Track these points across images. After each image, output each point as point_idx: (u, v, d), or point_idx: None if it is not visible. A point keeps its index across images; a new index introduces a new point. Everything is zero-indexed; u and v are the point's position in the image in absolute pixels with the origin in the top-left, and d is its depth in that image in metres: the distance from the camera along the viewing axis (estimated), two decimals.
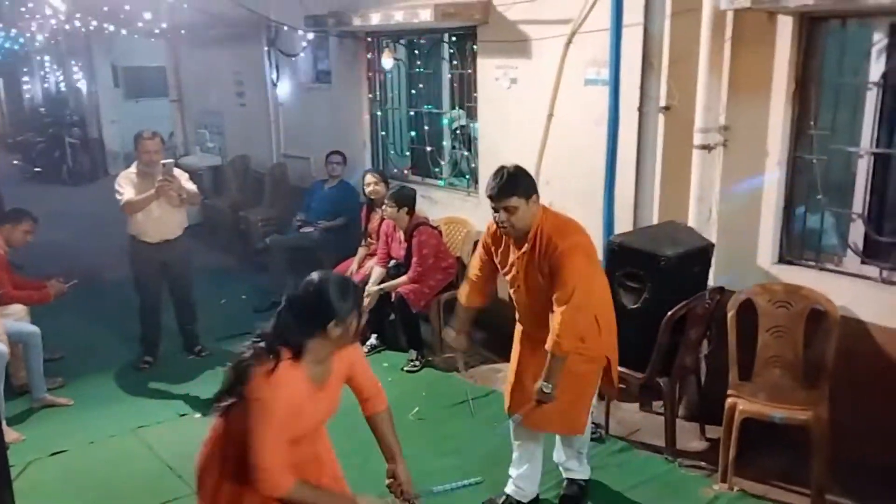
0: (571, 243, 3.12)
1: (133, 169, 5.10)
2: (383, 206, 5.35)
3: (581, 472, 3.64)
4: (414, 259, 5.23)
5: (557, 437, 3.61)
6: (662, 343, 3.82)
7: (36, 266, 5.85)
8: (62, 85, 14.94)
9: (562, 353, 3.09)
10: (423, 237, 5.26)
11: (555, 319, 3.08)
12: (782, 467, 3.80)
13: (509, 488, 3.55)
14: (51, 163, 13.25)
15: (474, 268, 3.55)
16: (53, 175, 13.01)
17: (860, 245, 3.83)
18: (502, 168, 3.20)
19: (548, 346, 3.10)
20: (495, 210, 3.16)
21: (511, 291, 3.36)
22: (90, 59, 12.72)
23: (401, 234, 5.40)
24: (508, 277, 3.32)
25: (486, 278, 3.52)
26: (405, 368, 5.22)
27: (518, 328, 3.48)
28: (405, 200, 5.30)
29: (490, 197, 3.15)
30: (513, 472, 3.56)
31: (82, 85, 13.35)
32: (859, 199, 3.80)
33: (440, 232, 5.55)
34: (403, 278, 5.26)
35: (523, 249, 3.20)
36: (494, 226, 3.29)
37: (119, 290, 6.13)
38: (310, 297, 2.38)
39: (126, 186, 4.99)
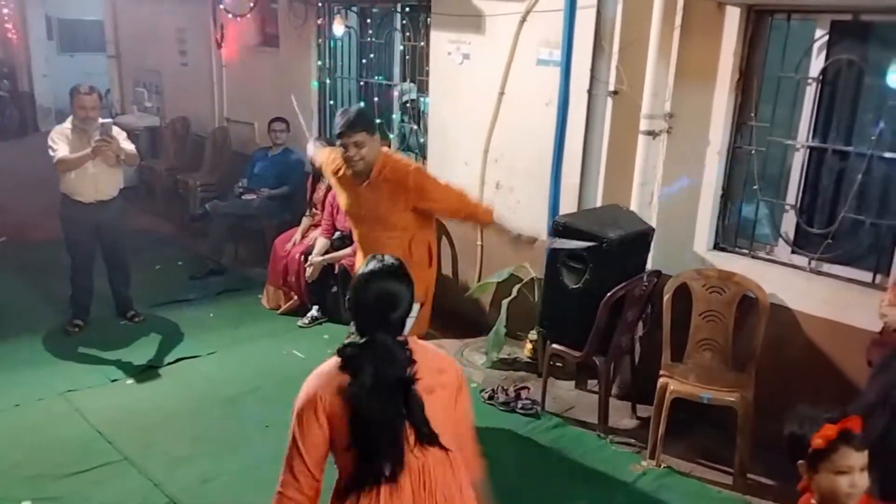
0: (416, 167, 3.66)
1: (68, 125, 4.90)
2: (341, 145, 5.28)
3: None
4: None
5: None
6: (600, 323, 3.90)
7: None
8: None
9: (491, 218, 3.73)
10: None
11: (463, 208, 3.68)
12: (708, 446, 3.95)
13: None
14: None
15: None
16: None
17: (791, 235, 3.97)
18: (347, 108, 3.61)
19: (485, 219, 3.74)
20: (345, 147, 3.45)
21: (358, 227, 3.73)
22: (23, 8, 12.10)
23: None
24: (354, 213, 3.68)
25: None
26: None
27: (360, 256, 3.83)
28: (369, 126, 5.25)
29: (340, 134, 3.44)
30: None
31: (13, 35, 12.70)
32: (793, 190, 3.94)
33: None
34: (348, 250, 5.22)
35: (367, 181, 3.54)
36: (337, 163, 3.66)
37: (49, 249, 5.93)
38: None
39: (60, 143, 4.79)
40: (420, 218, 3.64)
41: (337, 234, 5.39)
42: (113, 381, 4.51)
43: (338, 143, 3.48)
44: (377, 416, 1.90)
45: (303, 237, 5.72)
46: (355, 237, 3.85)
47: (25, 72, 12.53)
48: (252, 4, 7.00)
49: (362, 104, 3.70)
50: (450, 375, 2.08)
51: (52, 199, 5.16)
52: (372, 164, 3.49)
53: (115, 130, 4.88)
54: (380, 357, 1.92)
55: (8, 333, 4.99)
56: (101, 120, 4.82)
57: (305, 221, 5.82)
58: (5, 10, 12.30)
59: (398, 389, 1.93)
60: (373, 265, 2.03)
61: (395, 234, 3.57)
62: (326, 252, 5.32)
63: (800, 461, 2.00)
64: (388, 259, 2.06)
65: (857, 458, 1.92)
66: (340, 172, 3.66)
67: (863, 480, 1.92)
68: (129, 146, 4.97)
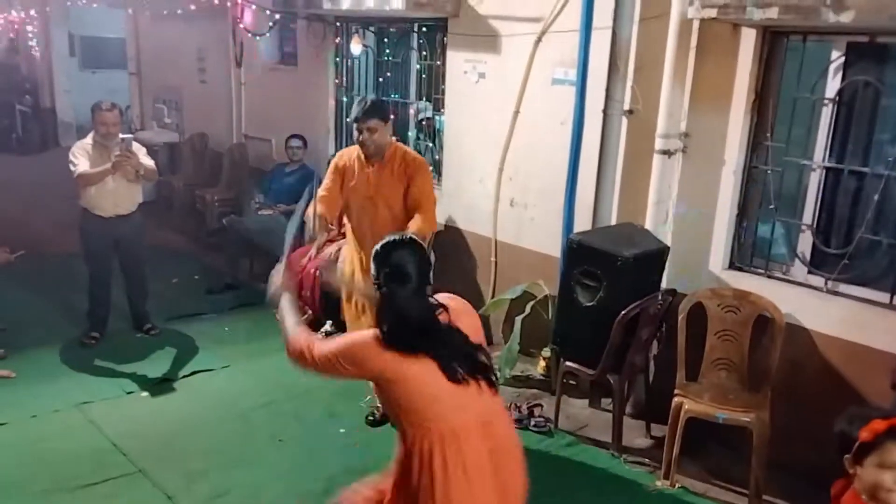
0: (424, 161, 4.07)
1: (88, 140, 4.98)
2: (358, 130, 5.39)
3: None
4: None
5: None
6: (614, 341, 3.89)
7: None
8: (15, 50, 14.43)
9: (425, 230, 3.87)
10: None
11: (422, 204, 3.93)
12: (723, 467, 3.92)
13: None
14: (0, 131, 12.81)
15: (326, 188, 4.13)
16: (2, 143, 12.56)
17: (808, 255, 3.96)
18: (365, 97, 3.98)
19: (419, 225, 3.82)
20: (360, 131, 3.85)
21: (361, 209, 4.02)
22: (46, 25, 12.31)
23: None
24: (364, 195, 3.98)
25: (336, 194, 4.11)
26: None
27: (354, 247, 4.12)
28: (383, 114, 5.31)
29: (356, 119, 3.85)
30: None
31: (36, 52, 12.93)
32: (809, 210, 3.93)
33: None
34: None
35: (380, 163, 3.93)
36: (346, 153, 4.09)
37: (68, 263, 6.00)
38: None
39: (81, 158, 4.87)
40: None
41: None
42: (128, 393, 4.54)
43: (355, 126, 3.88)
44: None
45: (318, 252, 5.73)
46: (352, 222, 4.10)
47: (48, 88, 12.72)
48: (271, 24, 7.10)
49: (373, 95, 3.99)
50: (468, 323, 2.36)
51: (72, 213, 5.23)
52: (384, 148, 3.90)
53: (135, 146, 4.95)
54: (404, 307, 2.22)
55: (25, 345, 5.04)
56: (121, 136, 4.89)
57: (321, 238, 5.84)
58: (29, 28, 12.52)
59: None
60: (392, 240, 2.35)
61: (400, 214, 3.94)
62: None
63: (846, 455, 2.04)
64: (398, 233, 2.45)
65: None
66: (351, 162, 4.03)
67: None
68: (148, 162, 5.04)
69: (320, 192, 4.11)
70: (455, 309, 2.33)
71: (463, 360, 2.22)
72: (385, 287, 2.26)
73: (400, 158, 3.97)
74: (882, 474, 1.97)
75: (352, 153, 4.10)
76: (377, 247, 2.35)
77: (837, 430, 2.10)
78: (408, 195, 3.99)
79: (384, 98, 4.09)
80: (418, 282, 2.25)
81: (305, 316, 5.60)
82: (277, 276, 2.63)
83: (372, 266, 2.33)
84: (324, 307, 5.48)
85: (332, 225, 4.29)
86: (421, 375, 2.16)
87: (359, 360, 2.21)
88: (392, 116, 3.93)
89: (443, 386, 2.17)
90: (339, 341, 2.27)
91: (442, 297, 2.35)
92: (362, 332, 2.26)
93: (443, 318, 2.27)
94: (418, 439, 2.19)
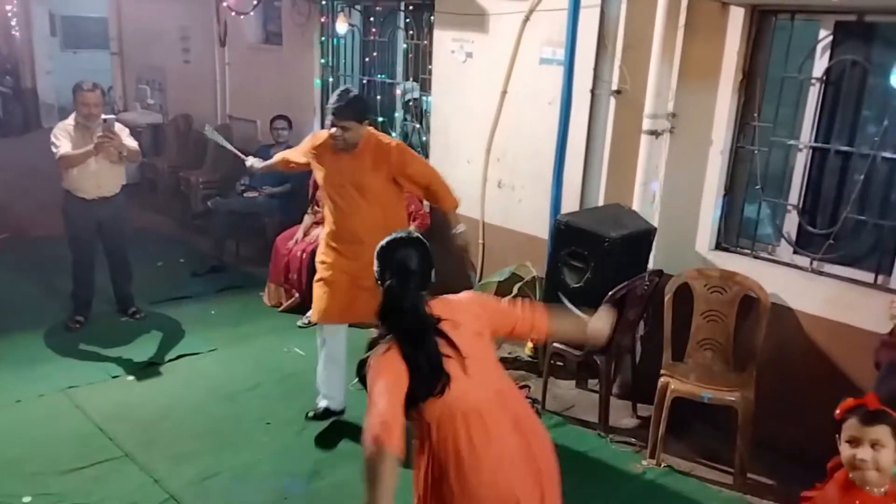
0: (399, 142, 3.96)
1: (70, 121, 4.90)
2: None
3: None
4: (411, 208, 5.18)
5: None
6: None
7: None
8: None
9: (456, 205, 3.96)
10: (419, 209, 5.29)
11: (434, 186, 3.89)
12: (708, 446, 3.95)
13: (322, 402, 4.06)
14: None
15: (289, 154, 4.19)
16: None
17: (793, 235, 3.97)
18: (348, 90, 3.78)
19: (449, 204, 3.93)
20: (333, 125, 3.71)
21: (336, 197, 3.84)
22: (26, 4, 12.10)
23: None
24: (338, 181, 3.82)
25: (292, 165, 4.13)
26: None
27: (331, 246, 3.90)
28: (359, 114, 5.28)
29: (332, 113, 3.70)
30: (321, 383, 4.06)
31: (17, 32, 12.71)
32: (795, 191, 3.94)
33: None
34: (412, 229, 5.26)
35: (351, 153, 3.78)
36: (322, 139, 3.89)
37: (51, 245, 5.94)
38: None
39: (63, 139, 4.80)
40: (395, 193, 3.91)
41: None
42: (114, 377, 4.51)
43: (329, 120, 3.74)
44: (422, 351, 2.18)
45: (304, 235, 5.72)
46: (328, 212, 3.94)
47: (29, 68, 12.52)
48: (255, 2, 7.01)
49: (354, 91, 3.89)
50: (465, 309, 2.35)
51: (55, 196, 5.16)
52: (355, 144, 3.76)
53: (118, 127, 4.88)
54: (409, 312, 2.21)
55: (9, 329, 4.99)
56: (103, 116, 4.82)
57: (307, 219, 5.82)
58: (8, 7, 12.31)
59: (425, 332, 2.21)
60: (392, 236, 2.35)
61: (373, 204, 3.81)
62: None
63: (837, 435, 2.16)
64: (403, 231, 2.41)
65: (865, 432, 2.06)
66: (326, 148, 3.88)
67: (867, 454, 2.04)
68: (131, 143, 4.98)
69: (283, 152, 4.31)
70: (461, 311, 2.31)
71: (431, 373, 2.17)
72: (387, 284, 2.27)
73: (374, 146, 3.80)
74: (847, 449, 2.09)
75: (325, 139, 3.92)
76: (382, 243, 2.35)
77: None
78: (406, 183, 3.85)
79: (362, 95, 4.08)
80: (419, 282, 2.27)
81: (292, 299, 5.59)
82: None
83: (375, 262, 2.34)
84: (310, 292, 5.45)
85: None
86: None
87: (392, 384, 2.12)
88: (367, 118, 3.80)
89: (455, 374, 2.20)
90: (377, 392, 2.11)
91: (445, 302, 2.32)
92: (382, 362, 2.16)
93: (447, 323, 2.24)
94: (442, 425, 2.20)
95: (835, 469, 2.20)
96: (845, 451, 2.11)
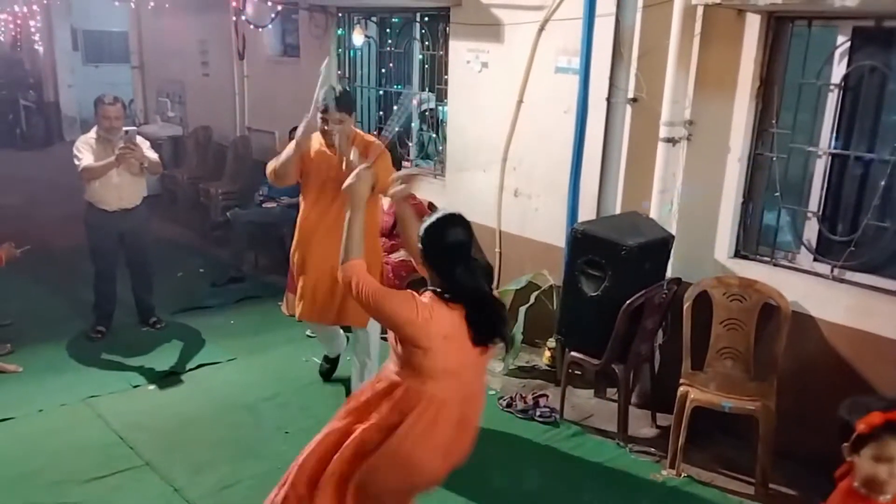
0: (380, 143, 3.81)
1: (92, 134, 4.97)
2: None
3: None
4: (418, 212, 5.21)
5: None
6: (619, 331, 3.88)
7: None
8: (18, 45, 14.45)
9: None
10: (417, 202, 5.28)
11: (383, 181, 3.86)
12: (729, 456, 3.91)
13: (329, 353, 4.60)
14: (4, 126, 12.83)
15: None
16: (6, 139, 12.61)
17: (814, 243, 3.93)
18: (332, 85, 3.95)
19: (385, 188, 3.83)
20: (326, 122, 3.87)
21: (319, 191, 3.95)
22: (49, 19, 12.31)
23: (384, 203, 5.37)
24: (324, 175, 3.93)
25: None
26: None
27: (301, 249, 4.04)
28: (397, 165, 5.32)
29: (325, 109, 3.85)
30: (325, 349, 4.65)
31: (39, 46, 12.93)
32: (815, 197, 3.90)
33: None
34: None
35: (337, 151, 3.87)
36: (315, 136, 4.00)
37: (73, 257, 6.02)
38: None
39: (85, 152, 4.87)
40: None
41: None
42: (135, 386, 4.55)
43: (321, 117, 3.88)
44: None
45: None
46: (306, 205, 4.03)
47: (51, 82, 12.75)
48: (273, 15, 7.08)
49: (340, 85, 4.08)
50: None
51: (77, 208, 5.24)
52: (348, 138, 3.88)
53: (139, 140, 4.95)
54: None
55: (32, 340, 5.06)
56: (125, 129, 4.89)
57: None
58: (31, 22, 12.52)
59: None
60: (441, 217, 2.49)
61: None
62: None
63: (844, 444, 2.06)
64: (447, 211, 2.54)
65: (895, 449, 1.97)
66: (315, 143, 4.01)
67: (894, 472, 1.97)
68: (152, 155, 5.04)
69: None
70: None
71: (494, 326, 2.47)
72: (445, 265, 2.43)
73: (359, 142, 3.86)
74: (877, 467, 1.99)
75: (316, 136, 4.06)
76: (428, 224, 2.47)
77: (839, 417, 2.11)
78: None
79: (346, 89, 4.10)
80: (470, 255, 2.48)
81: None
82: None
83: (424, 243, 2.46)
84: None
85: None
86: (454, 349, 2.41)
87: (404, 315, 2.36)
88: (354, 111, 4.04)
89: (468, 355, 2.44)
90: (394, 295, 2.41)
91: None
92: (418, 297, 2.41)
93: None
94: (434, 393, 2.42)
95: (842, 478, 2.13)
96: (869, 467, 2.00)
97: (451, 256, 2.44)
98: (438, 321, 2.37)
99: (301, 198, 4.12)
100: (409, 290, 2.47)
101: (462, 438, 2.54)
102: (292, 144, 4.39)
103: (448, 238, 2.44)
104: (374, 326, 4.10)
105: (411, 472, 2.46)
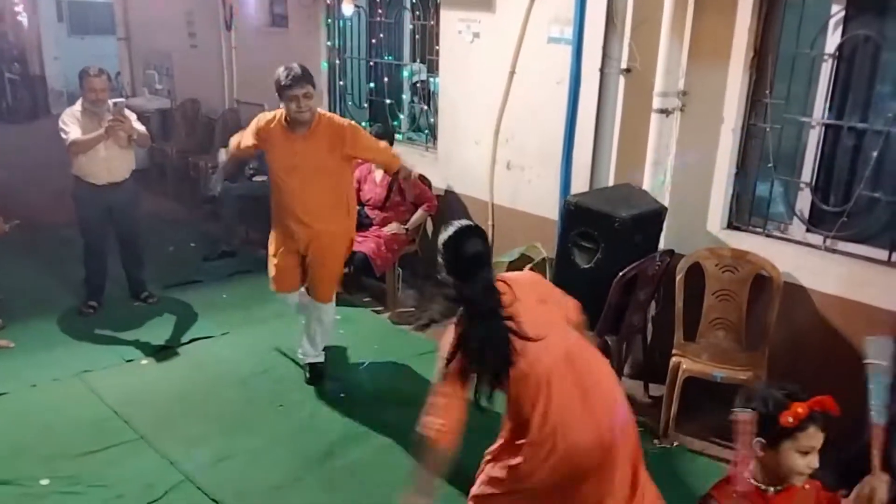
0: (349, 121, 4.09)
1: (78, 107, 4.91)
2: None
3: (319, 356, 4.37)
4: (416, 192, 5.20)
5: (303, 339, 4.35)
6: (612, 303, 3.88)
7: None
8: (1, 18, 14.20)
9: (400, 163, 4.15)
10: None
11: (386, 156, 4.19)
12: (721, 425, 3.91)
13: (309, 359, 4.34)
14: None
15: (241, 138, 4.17)
16: None
17: (806, 213, 3.94)
18: (290, 65, 3.83)
19: (396, 164, 4.14)
20: (294, 98, 3.75)
21: (287, 179, 3.96)
22: None
23: (376, 175, 5.37)
24: (289, 165, 3.92)
25: (244, 150, 4.18)
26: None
27: (280, 226, 4.12)
28: (390, 138, 5.29)
29: (292, 84, 3.74)
30: (306, 345, 4.34)
31: (23, 18, 12.71)
32: (808, 168, 3.90)
33: None
34: (421, 213, 5.39)
35: (306, 133, 3.88)
36: (265, 119, 4.00)
37: (62, 231, 5.98)
38: None
39: (72, 125, 4.80)
40: (349, 172, 4.17)
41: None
42: (128, 361, 4.55)
43: (287, 94, 3.76)
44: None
45: None
46: (281, 191, 4.03)
47: (36, 55, 12.54)
48: None
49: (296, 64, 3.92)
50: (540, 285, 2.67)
51: (65, 182, 5.18)
52: (314, 113, 3.86)
53: (126, 112, 4.88)
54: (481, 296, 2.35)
55: (23, 315, 5.03)
56: (113, 100, 4.82)
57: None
58: None
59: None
60: (454, 228, 2.44)
61: (329, 182, 3.98)
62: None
63: (758, 439, 2.01)
64: (461, 221, 2.50)
65: (820, 439, 1.96)
66: (272, 132, 3.95)
67: (816, 461, 1.97)
68: (140, 127, 4.99)
69: (236, 136, 4.29)
70: (521, 285, 2.47)
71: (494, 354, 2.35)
72: (463, 277, 2.36)
73: (326, 125, 3.91)
74: (798, 458, 1.96)
75: (271, 122, 3.99)
76: (446, 237, 2.43)
77: (752, 411, 2.03)
78: (362, 156, 4.17)
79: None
80: (489, 267, 2.42)
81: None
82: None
83: (442, 254, 2.42)
84: None
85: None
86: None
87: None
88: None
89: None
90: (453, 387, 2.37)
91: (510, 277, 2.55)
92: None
93: (507, 297, 2.39)
94: (521, 392, 2.39)
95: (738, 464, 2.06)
96: (795, 460, 1.96)
97: (470, 267, 2.39)
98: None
99: (271, 189, 4.14)
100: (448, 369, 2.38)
101: None
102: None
103: (467, 250, 2.40)
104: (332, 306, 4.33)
105: None
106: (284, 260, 4.16)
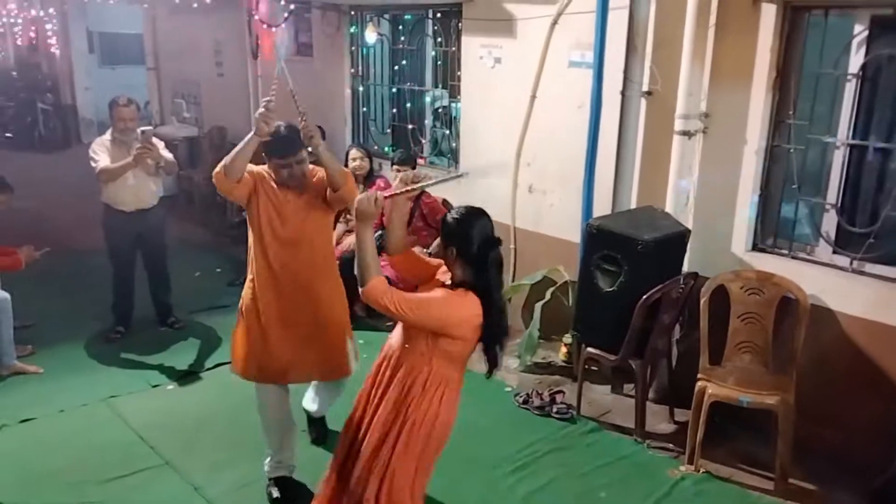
0: (346, 171, 3.52)
1: (107, 136, 5.02)
2: (395, 171, 5.28)
3: (324, 411, 3.95)
4: (438, 217, 5.02)
5: (311, 389, 3.90)
6: (636, 326, 3.86)
7: (6, 232, 5.74)
8: (35, 49, 14.60)
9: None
10: (431, 199, 5.28)
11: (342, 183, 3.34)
12: (748, 450, 3.88)
13: (277, 472, 3.54)
14: (22, 128, 12.97)
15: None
16: (25, 141, 12.74)
17: (832, 235, 3.89)
18: (278, 127, 3.29)
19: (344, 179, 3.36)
20: (288, 166, 3.28)
21: (272, 231, 3.33)
22: (65, 23, 12.42)
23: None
24: (278, 214, 3.33)
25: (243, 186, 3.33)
26: None
27: (260, 300, 3.41)
28: (413, 163, 5.34)
29: (284, 154, 3.28)
30: (273, 452, 3.54)
31: (56, 49, 13.06)
32: (833, 189, 3.86)
33: None
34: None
35: (301, 191, 3.37)
36: (259, 169, 3.38)
37: (91, 258, 6.06)
38: None
39: (101, 153, 4.91)
40: (329, 220, 3.57)
41: (377, 232, 5.45)
42: (154, 386, 4.59)
43: (280, 162, 3.29)
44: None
45: (337, 243, 5.76)
46: (259, 248, 3.38)
47: (68, 85, 12.86)
48: (286, 14, 7.09)
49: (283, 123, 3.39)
50: None
51: (95, 210, 5.28)
52: (304, 174, 3.38)
53: (154, 140, 4.98)
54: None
55: (52, 341, 5.11)
56: (140, 129, 4.92)
57: (340, 228, 5.86)
58: (48, 26, 12.65)
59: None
60: (467, 211, 2.56)
61: (311, 239, 3.41)
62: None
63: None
64: (462, 206, 2.60)
65: None
66: (265, 179, 3.38)
67: None
68: (167, 154, 5.08)
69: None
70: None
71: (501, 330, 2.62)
72: (481, 257, 2.49)
73: (312, 174, 3.42)
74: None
75: (263, 169, 3.43)
76: (457, 217, 2.53)
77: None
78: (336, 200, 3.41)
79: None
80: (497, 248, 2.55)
81: None
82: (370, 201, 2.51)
83: (454, 236, 2.51)
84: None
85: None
86: (474, 341, 2.55)
87: (455, 315, 2.48)
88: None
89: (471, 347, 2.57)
90: (434, 300, 2.51)
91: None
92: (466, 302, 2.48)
93: None
94: (442, 378, 2.56)
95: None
96: None
97: (485, 247, 2.49)
98: (478, 313, 2.48)
99: (252, 242, 3.45)
100: (440, 290, 2.55)
101: None
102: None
103: (482, 229, 2.52)
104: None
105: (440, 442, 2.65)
106: (262, 330, 3.45)
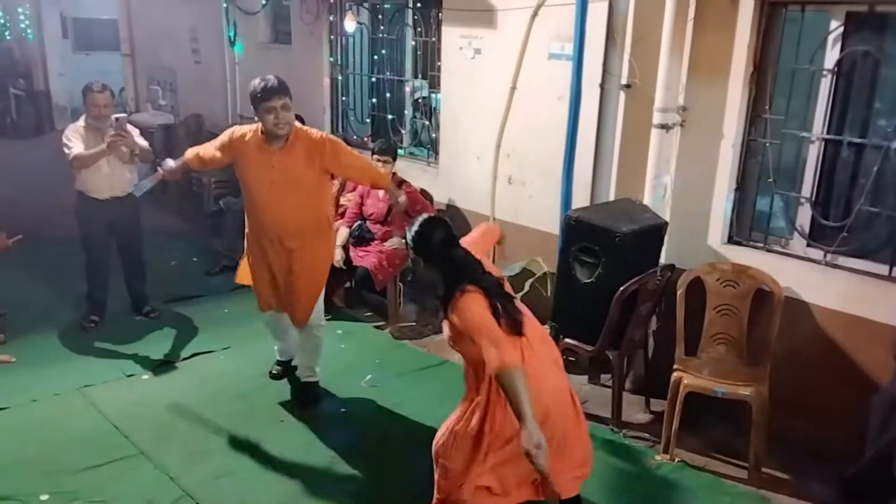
0: (332, 137, 3.93)
1: (81, 123, 4.94)
2: (376, 161, 5.23)
3: (315, 375, 4.32)
4: (418, 207, 5.04)
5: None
6: (613, 318, 3.89)
7: None
8: (7, 33, 14.32)
9: (389, 181, 4.33)
10: (411, 189, 5.26)
11: (371, 172, 4.12)
12: (722, 440, 3.94)
13: (280, 357, 4.40)
14: None
15: (203, 149, 3.97)
16: None
17: (807, 228, 3.94)
18: (264, 77, 3.67)
19: (385, 182, 4.18)
20: (273, 110, 3.60)
21: (264, 194, 3.77)
22: (38, 7, 12.19)
23: (380, 192, 5.31)
24: (265, 180, 3.75)
25: (210, 158, 3.94)
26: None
27: (256, 244, 3.96)
28: (395, 153, 5.31)
29: (271, 95, 3.59)
30: (276, 344, 4.40)
31: (29, 34, 12.82)
32: (808, 183, 3.91)
33: None
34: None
35: (282, 147, 3.72)
36: (240, 132, 3.82)
37: (65, 246, 5.98)
38: None
39: (75, 140, 4.84)
40: (328, 187, 4.00)
41: (356, 223, 5.43)
42: (129, 376, 4.54)
43: (264, 106, 3.61)
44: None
45: (342, 214, 5.71)
46: (256, 209, 3.86)
47: (41, 71, 12.61)
48: (264, 2, 7.02)
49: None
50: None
51: (68, 197, 5.21)
52: (291, 125, 3.72)
53: (129, 127, 4.91)
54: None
55: (25, 330, 5.04)
56: (115, 115, 4.85)
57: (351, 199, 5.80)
58: (20, 10, 12.40)
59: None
60: (422, 223, 2.78)
61: (306, 198, 3.81)
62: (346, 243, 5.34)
63: None
64: (419, 219, 2.81)
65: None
66: (247, 146, 3.77)
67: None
68: (142, 142, 5.02)
69: (194, 149, 4.05)
70: (475, 248, 2.90)
71: (502, 297, 2.69)
72: (442, 257, 2.70)
73: (304, 138, 3.74)
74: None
75: (246, 134, 3.78)
76: (417, 230, 2.75)
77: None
78: (343, 172, 4.00)
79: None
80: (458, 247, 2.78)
81: None
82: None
83: (418, 249, 2.75)
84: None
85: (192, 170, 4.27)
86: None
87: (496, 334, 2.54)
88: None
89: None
90: (486, 335, 2.52)
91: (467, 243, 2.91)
92: (483, 313, 2.57)
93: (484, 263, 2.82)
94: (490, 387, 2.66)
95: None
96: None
97: (445, 249, 2.71)
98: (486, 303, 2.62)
99: (244, 204, 3.95)
100: (454, 315, 2.61)
101: None
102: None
103: (440, 234, 2.73)
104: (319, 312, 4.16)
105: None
106: (264, 278, 4.02)
